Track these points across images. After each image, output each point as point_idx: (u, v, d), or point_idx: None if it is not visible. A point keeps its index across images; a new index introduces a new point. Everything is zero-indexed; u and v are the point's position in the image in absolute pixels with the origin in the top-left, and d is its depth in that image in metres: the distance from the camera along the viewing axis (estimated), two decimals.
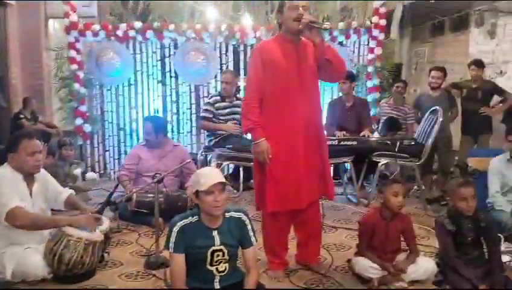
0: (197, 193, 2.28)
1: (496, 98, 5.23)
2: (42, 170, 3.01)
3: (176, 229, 2.26)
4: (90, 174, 5.32)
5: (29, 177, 2.88)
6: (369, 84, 5.84)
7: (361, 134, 4.85)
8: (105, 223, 3.04)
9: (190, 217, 2.31)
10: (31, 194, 2.87)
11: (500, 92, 5.13)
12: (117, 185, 3.61)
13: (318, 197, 2.91)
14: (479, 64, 5.09)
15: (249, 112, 2.73)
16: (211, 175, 2.28)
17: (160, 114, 5.93)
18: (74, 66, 5.72)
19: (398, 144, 4.43)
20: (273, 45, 2.75)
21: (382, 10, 5.70)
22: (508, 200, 3.60)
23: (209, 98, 5.24)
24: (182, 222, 2.28)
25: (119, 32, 5.67)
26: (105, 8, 6.73)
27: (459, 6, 4.21)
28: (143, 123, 4.62)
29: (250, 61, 2.89)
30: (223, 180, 2.30)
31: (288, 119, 2.69)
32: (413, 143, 4.57)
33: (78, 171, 4.95)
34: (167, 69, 5.97)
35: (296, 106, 2.69)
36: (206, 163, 5.09)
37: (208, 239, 2.25)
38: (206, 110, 5.05)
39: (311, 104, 2.79)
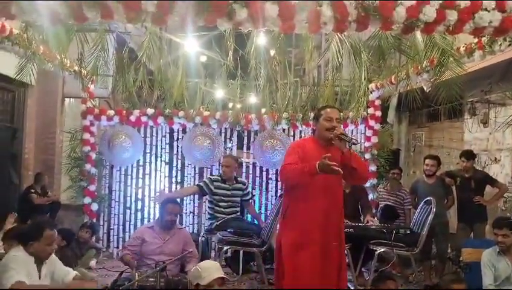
0: (197, 285, 2.45)
1: (489, 188, 5.41)
2: None
3: None
4: None
5: (39, 261, 3.05)
6: None
7: (366, 220, 4.99)
8: None
9: None
10: (39, 276, 3.03)
11: (492, 181, 5.30)
12: (121, 272, 3.73)
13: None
14: (468, 156, 5.25)
15: (291, 168, 2.95)
16: (211, 270, 2.46)
17: None
18: (87, 148, 6.03)
19: (393, 233, 4.54)
20: (307, 144, 3.15)
21: (377, 102, 6.10)
22: None
23: (212, 175, 5.55)
24: None
25: (132, 118, 6.03)
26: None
27: (452, 97, 4.55)
28: (162, 205, 4.41)
29: (287, 151, 3.24)
30: (223, 275, 2.47)
31: (309, 211, 2.98)
32: (408, 232, 4.67)
33: (93, 263, 5.08)
34: (175, 151, 6.30)
35: (319, 201, 2.99)
36: (207, 245, 5.21)
37: None
38: (204, 181, 5.26)
39: (334, 201, 3.09)
